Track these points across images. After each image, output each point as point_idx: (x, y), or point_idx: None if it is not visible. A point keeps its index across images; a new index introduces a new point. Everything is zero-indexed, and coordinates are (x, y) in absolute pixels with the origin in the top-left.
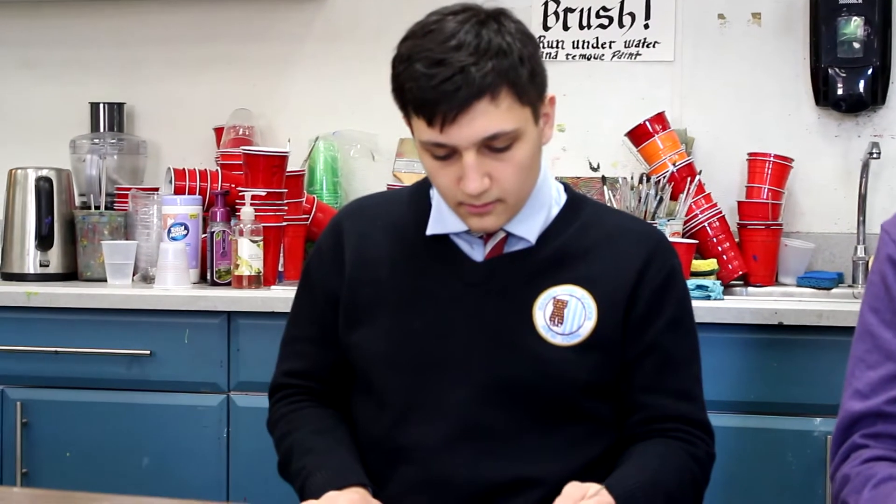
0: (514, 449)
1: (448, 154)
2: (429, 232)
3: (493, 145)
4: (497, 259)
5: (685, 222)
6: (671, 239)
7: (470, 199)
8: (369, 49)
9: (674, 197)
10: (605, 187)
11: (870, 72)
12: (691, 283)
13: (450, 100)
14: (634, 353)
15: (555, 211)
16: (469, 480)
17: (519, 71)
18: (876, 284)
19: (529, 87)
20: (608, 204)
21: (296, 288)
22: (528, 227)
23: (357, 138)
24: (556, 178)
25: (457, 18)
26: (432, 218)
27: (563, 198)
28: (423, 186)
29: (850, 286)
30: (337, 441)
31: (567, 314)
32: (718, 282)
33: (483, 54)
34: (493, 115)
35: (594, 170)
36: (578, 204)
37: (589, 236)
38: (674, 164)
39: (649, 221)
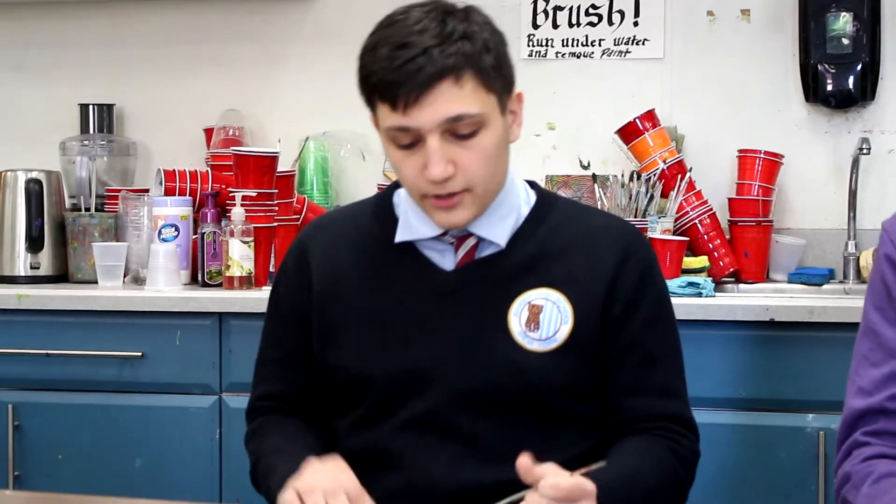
0: (495, 454)
1: (413, 142)
2: (397, 239)
3: (457, 130)
4: (468, 266)
5: (676, 219)
6: (662, 237)
7: (435, 189)
8: (358, 51)
9: (664, 194)
10: (595, 185)
11: (859, 67)
12: (682, 280)
13: (412, 80)
14: (614, 352)
15: (525, 211)
16: (451, 486)
17: (483, 57)
18: (877, 283)
19: (495, 75)
20: (598, 203)
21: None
22: (498, 231)
23: (347, 138)
24: (547, 176)
25: (423, 9)
26: (400, 225)
27: (533, 198)
28: (387, 197)
29: (840, 282)
30: (305, 445)
31: (543, 319)
32: (710, 279)
33: (447, 38)
34: (456, 97)
35: (584, 168)
36: (549, 203)
37: (562, 236)
38: (664, 162)
39: (640, 219)
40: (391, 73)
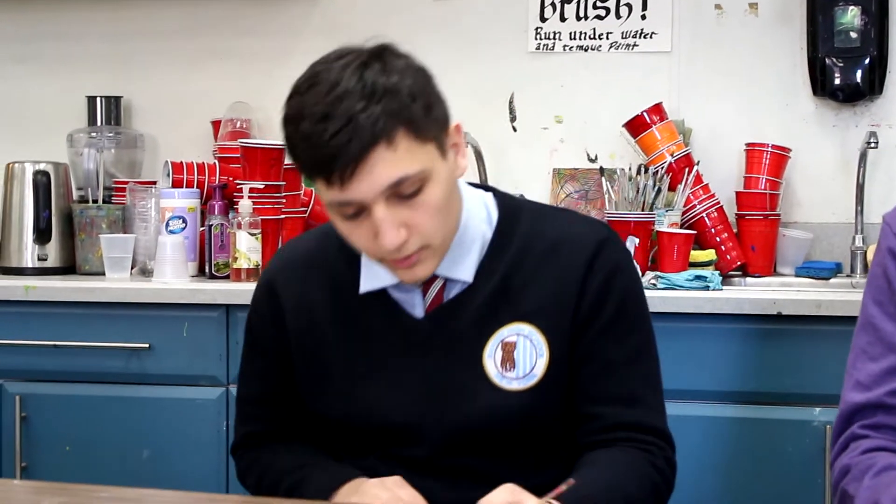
0: (484, 479)
1: (357, 211)
2: (362, 290)
3: (401, 192)
4: (438, 311)
5: (683, 213)
6: (669, 230)
7: (391, 255)
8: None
9: (672, 188)
10: (603, 178)
11: (867, 61)
12: (690, 273)
13: (343, 154)
14: (574, 361)
15: (488, 235)
16: (450, 499)
17: (412, 108)
18: (878, 277)
19: (427, 123)
20: (605, 196)
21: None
22: (464, 268)
23: None
24: (555, 169)
25: (338, 64)
26: (363, 273)
27: (495, 215)
28: None
29: (848, 276)
30: (327, 458)
31: (518, 357)
32: (717, 272)
33: (370, 98)
34: (392, 160)
35: (592, 161)
36: (513, 217)
37: (529, 256)
38: (671, 155)
39: (647, 213)
40: (319, 151)
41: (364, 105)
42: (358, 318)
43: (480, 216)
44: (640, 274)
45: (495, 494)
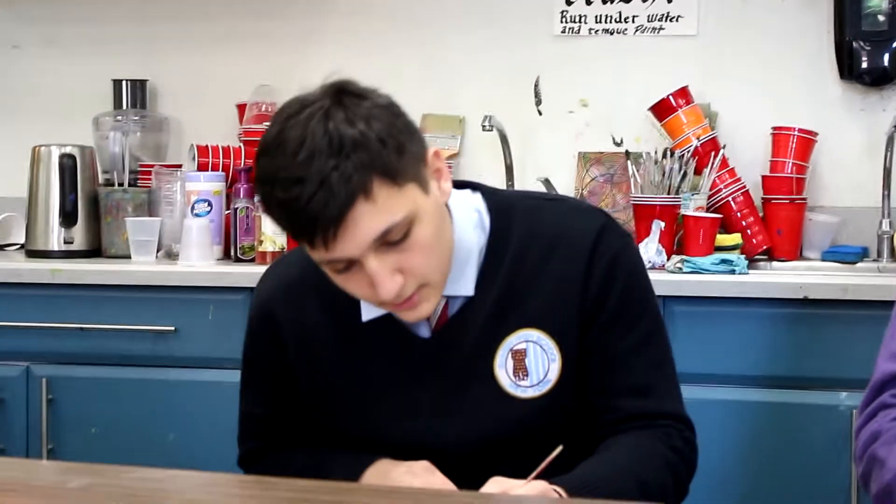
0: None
1: (348, 265)
2: (364, 318)
3: (389, 240)
4: (445, 329)
5: (709, 197)
6: (695, 214)
7: (392, 301)
8: (390, 27)
9: (698, 171)
10: (628, 162)
11: (895, 45)
12: (716, 257)
13: (322, 219)
14: (584, 356)
15: (483, 241)
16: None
17: (384, 155)
18: None
19: (402, 165)
20: (631, 180)
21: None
22: (464, 282)
23: None
24: (580, 153)
25: (302, 118)
26: (363, 301)
27: (487, 218)
28: None
29: (874, 260)
30: (342, 451)
31: (529, 364)
32: (743, 256)
33: (339, 154)
34: (374, 213)
35: (617, 145)
36: (506, 217)
37: (528, 258)
38: (697, 139)
39: (673, 196)
40: (296, 218)
41: (335, 163)
42: (363, 343)
43: (471, 224)
44: (640, 255)
45: (484, 488)
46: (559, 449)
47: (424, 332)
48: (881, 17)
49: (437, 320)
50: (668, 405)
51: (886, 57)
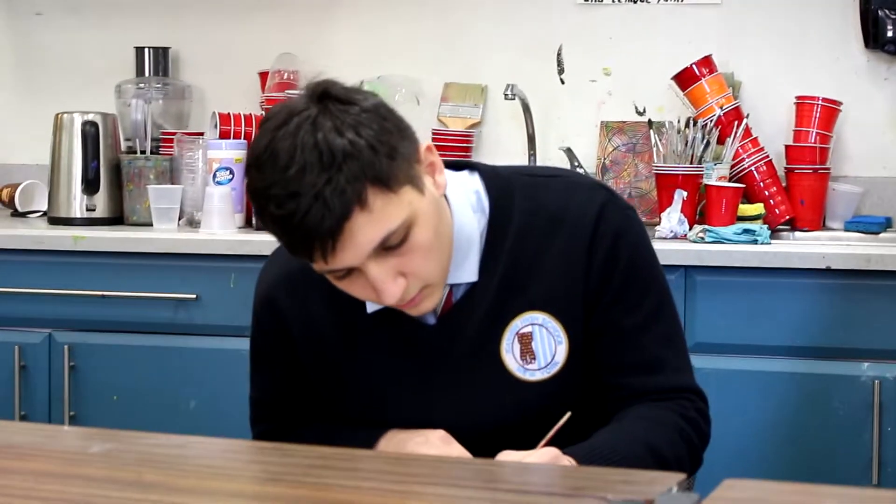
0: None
1: (349, 271)
2: (370, 310)
3: (388, 245)
4: (449, 315)
5: (732, 166)
6: (717, 184)
7: (395, 303)
8: None
9: (720, 141)
10: (651, 131)
11: None
12: (738, 227)
13: (318, 233)
14: (592, 334)
15: (483, 223)
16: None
17: (376, 163)
18: None
19: (395, 169)
20: (654, 149)
21: None
22: (467, 270)
23: (401, 83)
24: (603, 122)
25: (291, 128)
26: None
27: (486, 200)
28: None
29: None
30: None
31: (536, 347)
32: (765, 226)
33: (330, 167)
34: (370, 223)
35: (640, 114)
36: (507, 197)
37: (529, 239)
38: (721, 108)
39: (696, 165)
40: (294, 234)
41: (327, 177)
42: (368, 334)
43: (471, 207)
44: (643, 227)
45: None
46: (568, 415)
47: (430, 319)
48: None
49: (441, 307)
50: (680, 379)
51: None
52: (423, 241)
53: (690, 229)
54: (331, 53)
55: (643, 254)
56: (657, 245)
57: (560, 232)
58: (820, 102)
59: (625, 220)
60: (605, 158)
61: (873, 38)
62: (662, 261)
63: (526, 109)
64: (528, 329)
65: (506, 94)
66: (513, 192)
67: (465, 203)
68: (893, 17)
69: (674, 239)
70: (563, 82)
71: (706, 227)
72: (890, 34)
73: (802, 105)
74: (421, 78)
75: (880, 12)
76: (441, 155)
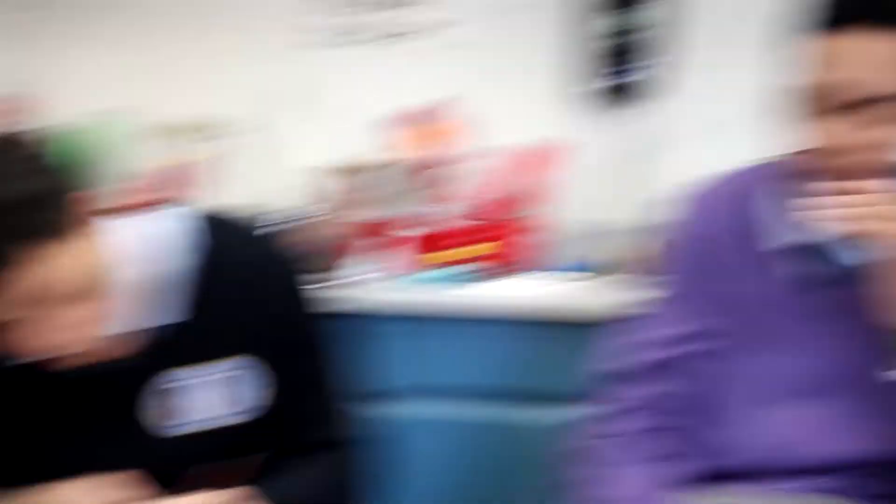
0: None
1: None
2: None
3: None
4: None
5: (432, 211)
6: (408, 232)
7: None
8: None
9: (432, 185)
10: (356, 176)
11: (634, 65)
12: (430, 273)
13: None
14: (268, 383)
15: (183, 265)
16: None
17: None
18: None
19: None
20: (357, 192)
21: None
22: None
23: (121, 117)
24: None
25: None
26: None
27: (189, 243)
28: None
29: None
30: None
31: (236, 391)
32: (466, 270)
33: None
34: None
35: (352, 159)
36: (212, 239)
37: (215, 287)
38: (429, 153)
39: (402, 210)
40: None
41: None
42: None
43: (166, 250)
44: (309, 279)
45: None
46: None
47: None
48: (613, 40)
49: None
50: (327, 431)
51: (626, 77)
52: (86, 318)
53: (381, 275)
54: (58, 83)
55: (305, 307)
56: (343, 291)
57: (237, 282)
58: (537, 147)
59: (287, 274)
60: (315, 204)
61: (587, 86)
62: (338, 307)
63: (235, 152)
64: (222, 376)
65: (215, 136)
66: (216, 234)
67: (160, 245)
68: (606, 67)
69: (363, 285)
70: (277, 126)
71: (401, 272)
72: (606, 83)
73: (519, 149)
74: (139, 112)
75: (591, 63)
76: (155, 192)
